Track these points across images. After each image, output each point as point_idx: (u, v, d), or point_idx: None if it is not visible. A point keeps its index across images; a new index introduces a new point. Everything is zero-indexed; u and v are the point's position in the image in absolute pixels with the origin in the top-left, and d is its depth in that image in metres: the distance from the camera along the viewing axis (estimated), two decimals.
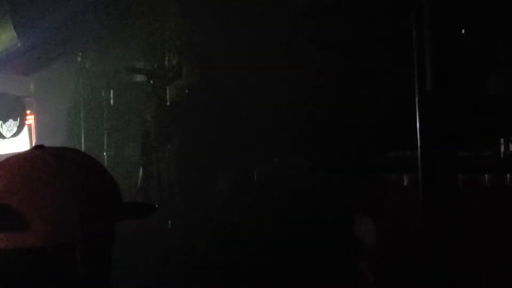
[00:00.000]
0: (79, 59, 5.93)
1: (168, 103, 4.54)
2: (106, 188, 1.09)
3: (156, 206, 1.20)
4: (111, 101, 5.72)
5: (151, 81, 4.51)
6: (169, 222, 4.34)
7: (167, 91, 4.55)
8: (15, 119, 6.90)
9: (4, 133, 6.95)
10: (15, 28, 5.06)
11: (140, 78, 5.28)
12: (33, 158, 1.06)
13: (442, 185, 2.01)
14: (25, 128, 7.11)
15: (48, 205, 1.00)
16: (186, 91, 4.35)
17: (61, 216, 1.00)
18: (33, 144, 7.65)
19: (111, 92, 5.70)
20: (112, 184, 1.10)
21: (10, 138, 7.01)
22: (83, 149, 5.67)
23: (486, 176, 2.95)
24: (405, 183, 3.21)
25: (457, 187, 2.06)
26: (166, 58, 4.65)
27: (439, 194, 2.00)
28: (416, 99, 2.07)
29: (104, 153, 5.61)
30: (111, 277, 1.09)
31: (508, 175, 2.94)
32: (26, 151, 1.11)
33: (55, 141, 6.06)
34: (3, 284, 0.98)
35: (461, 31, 3.12)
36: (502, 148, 3.01)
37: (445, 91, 2.02)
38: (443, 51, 2.05)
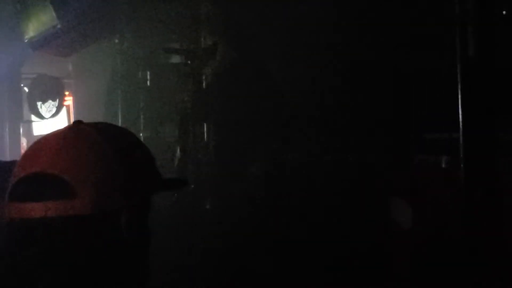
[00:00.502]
0: (116, 40, 5.96)
1: (204, 83, 4.55)
2: (145, 159, 1.11)
3: (188, 181, 1.21)
4: (148, 82, 5.75)
5: (188, 62, 4.51)
6: (207, 202, 4.37)
7: (204, 71, 4.55)
8: (54, 100, 6.99)
9: (43, 114, 7.05)
10: (54, 10, 5.11)
11: (176, 58, 5.29)
12: (75, 130, 1.08)
13: (483, 165, 1.98)
14: (64, 109, 7.21)
15: (93, 172, 1.02)
16: (222, 71, 4.34)
17: (107, 183, 1.02)
18: None
19: (148, 73, 5.73)
20: (150, 156, 1.12)
21: (49, 119, 7.12)
22: None
23: None
24: (443, 165, 3.17)
25: (497, 168, 2.03)
26: (202, 38, 4.65)
27: (479, 175, 1.97)
28: (458, 70, 2.03)
29: (141, 134, 5.66)
30: (150, 246, 1.11)
31: None
32: (66, 126, 1.13)
33: (93, 121, 6.11)
34: (51, 252, 1.00)
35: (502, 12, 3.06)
36: None
37: (487, 62, 1.97)
38: (486, 25, 2.00)
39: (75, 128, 1.08)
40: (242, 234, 3.91)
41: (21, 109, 6.75)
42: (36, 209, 1.00)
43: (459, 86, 2.07)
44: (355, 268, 3.33)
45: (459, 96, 2.08)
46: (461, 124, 2.07)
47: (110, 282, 1.02)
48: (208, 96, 4.46)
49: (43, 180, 1.01)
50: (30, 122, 7.48)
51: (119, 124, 5.81)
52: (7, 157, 6.21)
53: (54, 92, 6.98)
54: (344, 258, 3.43)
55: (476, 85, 2.02)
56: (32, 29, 5.88)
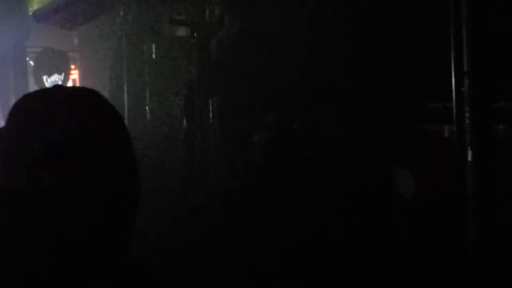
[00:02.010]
0: (121, 12, 5.93)
1: (210, 55, 4.53)
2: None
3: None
4: (153, 55, 5.73)
5: (194, 34, 4.49)
6: (212, 175, 4.38)
7: (210, 43, 4.53)
8: (60, 74, 6.98)
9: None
10: None
11: (182, 30, 5.27)
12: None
13: (476, 134, 1.97)
14: (70, 83, 7.21)
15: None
16: (229, 42, 4.32)
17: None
18: None
19: (154, 45, 5.71)
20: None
21: None
22: (125, 102, 5.72)
23: None
24: (446, 134, 3.16)
25: (491, 136, 2.02)
26: (208, 9, 4.63)
27: (473, 143, 1.97)
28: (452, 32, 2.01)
29: (146, 107, 5.66)
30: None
31: None
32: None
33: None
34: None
35: None
36: None
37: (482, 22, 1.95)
38: None
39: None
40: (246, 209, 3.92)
41: (27, 83, 6.75)
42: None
43: (452, 55, 2.06)
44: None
45: (452, 64, 2.07)
46: (453, 91, 2.07)
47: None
48: (214, 67, 4.44)
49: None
50: None
51: (125, 96, 5.81)
52: None
53: (60, 65, 6.97)
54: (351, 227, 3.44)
55: (470, 52, 2.01)
56: (37, 1, 5.87)
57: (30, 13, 6.14)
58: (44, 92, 1.10)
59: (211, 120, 4.41)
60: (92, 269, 1.01)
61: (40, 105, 1.04)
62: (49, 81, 7.08)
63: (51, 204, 0.96)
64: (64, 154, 0.97)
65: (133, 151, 1.06)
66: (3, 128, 1.03)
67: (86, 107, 1.04)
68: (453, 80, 2.09)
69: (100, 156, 0.99)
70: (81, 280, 1.00)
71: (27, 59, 6.88)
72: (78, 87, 1.13)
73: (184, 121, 4.47)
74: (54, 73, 6.99)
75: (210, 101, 4.41)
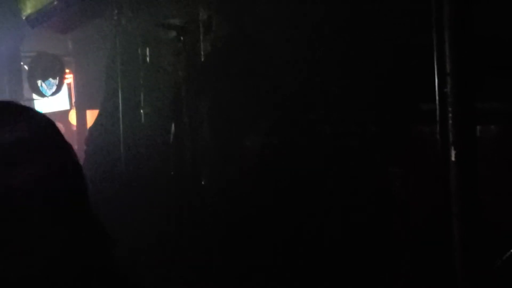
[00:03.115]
0: (115, 16, 5.93)
1: (200, 58, 4.53)
2: None
3: None
4: (147, 58, 5.73)
5: (181, 37, 4.50)
6: (202, 178, 4.37)
7: (199, 46, 4.53)
8: (54, 78, 6.98)
9: (44, 92, 7.05)
10: None
11: (174, 34, 5.27)
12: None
13: (459, 134, 1.96)
14: (65, 87, 7.21)
15: None
16: (218, 45, 4.32)
17: None
18: (73, 102, 7.76)
19: (147, 49, 5.71)
20: None
21: (50, 97, 7.12)
22: (120, 106, 5.72)
23: None
24: (430, 134, 3.15)
25: (475, 136, 2.02)
26: (198, 13, 4.63)
27: (456, 143, 1.96)
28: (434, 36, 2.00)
29: (141, 110, 5.65)
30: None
31: None
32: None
33: (93, 99, 6.12)
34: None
35: None
36: None
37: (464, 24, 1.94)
38: None
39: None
40: (239, 210, 3.91)
41: (22, 88, 6.75)
42: None
43: (435, 55, 2.05)
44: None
45: (435, 65, 2.06)
46: (437, 91, 2.06)
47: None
48: (204, 70, 4.44)
49: None
50: (31, 100, 7.49)
51: (120, 100, 5.80)
52: None
53: (54, 70, 6.97)
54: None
55: (452, 52, 2.00)
56: (30, 6, 5.87)
57: (24, 18, 6.13)
58: None
59: (200, 124, 4.41)
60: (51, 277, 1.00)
61: None
62: (43, 86, 7.08)
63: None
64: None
65: (70, 154, 1.07)
66: None
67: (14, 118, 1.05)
68: (436, 80, 2.09)
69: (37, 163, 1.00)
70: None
71: (21, 63, 6.88)
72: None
73: (173, 125, 4.47)
74: (49, 77, 6.98)
75: (199, 105, 4.41)
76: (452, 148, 1.99)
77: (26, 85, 6.99)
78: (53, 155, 1.05)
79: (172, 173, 4.45)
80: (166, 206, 4.36)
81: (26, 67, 7.08)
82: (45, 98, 7.10)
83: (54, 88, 6.99)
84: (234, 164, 4.11)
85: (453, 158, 1.98)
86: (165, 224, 4.34)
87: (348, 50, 3.49)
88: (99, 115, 5.82)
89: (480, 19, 2.11)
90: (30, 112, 1.11)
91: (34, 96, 7.24)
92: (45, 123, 1.09)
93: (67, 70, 7.19)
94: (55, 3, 5.51)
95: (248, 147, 4.10)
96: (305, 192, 3.70)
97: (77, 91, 7.13)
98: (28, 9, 5.90)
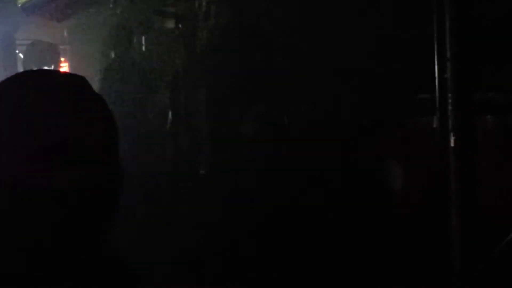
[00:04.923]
0: (111, 5, 5.90)
1: (197, 47, 4.50)
2: None
3: None
4: (143, 47, 5.70)
5: (179, 25, 4.47)
6: (200, 168, 4.35)
7: (196, 35, 4.50)
8: (49, 66, 6.95)
9: None
10: None
11: (171, 23, 5.24)
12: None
13: (459, 121, 1.94)
14: None
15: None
16: (216, 33, 4.29)
17: None
18: None
19: (143, 37, 5.68)
20: None
21: None
22: (115, 94, 5.69)
23: None
24: (435, 125, 3.13)
25: (474, 123, 2.00)
26: (196, 0, 4.60)
27: (456, 130, 1.94)
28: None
29: (137, 99, 5.62)
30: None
31: None
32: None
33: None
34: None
35: None
36: None
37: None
38: None
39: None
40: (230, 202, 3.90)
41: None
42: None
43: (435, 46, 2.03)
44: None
45: (435, 50, 2.04)
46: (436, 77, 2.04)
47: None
48: (201, 60, 4.42)
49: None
50: None
51: (115, 89, 5.77)
52: None
53: (49, 58, 6.93)
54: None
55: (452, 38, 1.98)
56: None
57: (19, 5, 6.09)
58: (36, 76, 1.02)
59: (197, 113, 4.39)
60: (75, 264, 0.96)
61: (33, 93, 0.96)
62: None
63: (42, 203, 0.90)
64: (61, 152, 0.90)
65: (119, 145, 1.01)
66: None
67: (83, 99, 0.97)
68: (436, 66, 2.06)
69: (95, 154, 0.93)
70: (63, 276, 0.96)
71: (17, 51, 6.84)
72: (69, 74, 1.06)
73: (169, 114, 4.45)
74: (44, 65, 6.95)
75: (197, 93, 4.39)
76: (452, 134, 1.97)
77: None
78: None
79: (169, 162, 4.43)
80: (163, 197, 4.34)
81: (21, 55, 7.04)
82: None
83: None
84: (231, 152, 4.09)
85: (452, 144, 1.96)
86: (162, 215, 4.33)
87: (347, 36, 3.47)
88: None
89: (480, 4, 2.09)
90: (100, 96, 1.02)
91: None
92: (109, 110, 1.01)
93: (62, 59, 7.15)
94: None
95: (245, 135, 4.08)
96: (301, 184, 3.68)
97: None
98: None
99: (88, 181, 0.93)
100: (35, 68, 6.78)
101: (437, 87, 2.07)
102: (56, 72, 1.01)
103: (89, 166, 0.93)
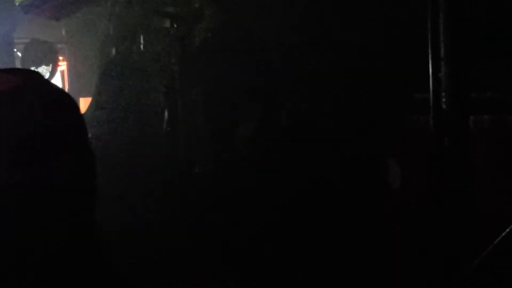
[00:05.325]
0: (109, 3, 5.89)
1: (192, 47, 4.50)
2: None
3: None
4: (141, 46, 5.70)
5: (174, 25, 4.48)
6: (196, 166, 4.35)
7: (190, 36, 4.50)
8: (47, 65, 6.95)
9: None
10: None
11: (168, 22, 5.23)
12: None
13: (453, 120, 1.93)
14: (58, 74, 7.17)
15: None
16: (210, 34, 4.29)
17: None
18: (66, 89, 7.74)
19: (141, 37, 5.67)
20: None
21: None
22: (113, 94, 5.69)
23: None
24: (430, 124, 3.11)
25: (468, 122, 1.99)
26: (192, 1, 4.60)
27: (450, 130, 1.93)
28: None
29: (134, 98, 5.61)
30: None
31: None
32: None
33: (87, 86, 6.09)
34: None
35: None
36: None
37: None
38: None
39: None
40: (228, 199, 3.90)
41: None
42: None
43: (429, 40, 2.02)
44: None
45: (429, 50, 2.03)
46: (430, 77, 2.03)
47: None
48: (196, 59, 4.42)
49: None
50: None
51: (113, 88, 5.76)
52: None
53: (47, 57, 6.93)
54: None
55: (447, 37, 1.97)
56: None
57: (17, 4, 6.08)
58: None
59: (193, 112, 4.39)
60: (62, 267, 0.96)
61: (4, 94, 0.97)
62: None
63: (25, 203, 0.91)
64: (38, 149, 0.91)
65: (89, 140, 1.02)
66: None
67: (52, 97, 0.98)
68: (430, 66, 2.06)
69: (69, 149, 0.94)
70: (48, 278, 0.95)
71: (15, 50, 6.84)
72: (28, 72, 1.06)
73: (166, 113, 4.45)
74: (42, 64, 6.95)
75: (192, 92, 4.39)
76: (446, 134, 1.96)
77: None
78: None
79: (165, 161, 4.43)
80: (158, 195, 4.33)
81: (19, 53, 7.04)
82: None
83: (48, 75, 6.95)
84: (228, 152, 4.09)
85: (446, 145, 1.95)
86: (157, 214, 4.32)
87: (342, 37, 3.47)
88: (92, 103, 5.79)
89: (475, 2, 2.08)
90: (66, 93, 1.04)
91: None
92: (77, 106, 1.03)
93: (60, 57, 7.15)
94: None
95: (241, 135, 4.08)
96: (298, 183, 3.68)
97: (70, 79, 7.09)
98: None
99: (60, 171, 0.93)
100: (33, 67, 6.78)
101: (431, 87, 2.06)
102: (13, 71, 1.02)
103: (58, 157, 0.94)
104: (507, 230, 2.00)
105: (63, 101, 1.01)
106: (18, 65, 6.99)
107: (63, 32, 7.02)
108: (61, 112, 0.98)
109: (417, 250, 2.85)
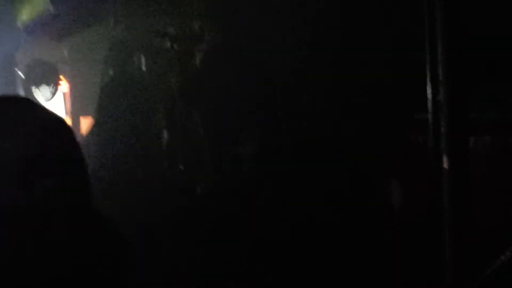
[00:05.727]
0: (111, 24, 5.94)
1: (192, 67, 4.55)
2: None
3: None
4: (143, 67, 5.74)
5: (173, 46, 4.53)
6: (196, 184, 4.37)
7: (192, 55, 4.55)
8: (49, 85, 6.98)
9: (39, 99, 7.05)
10: None
11: (169, 43, 5.28)
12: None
13: (452, 142, 1.97)
14: (59, 94, 7.21)
15: None
16: (210, 55, 4.34)
17: None
18: (68, 110, 7.78)
19: (143, 57, 5.72)
20: None
21: (44, 104, 7.11)
22: (114, 114, 5.72)
23: None
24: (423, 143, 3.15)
25: (467, 145, 2.03)
26: (191, 22, 4.65)
27: (449, 152, 1.97)
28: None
29: (136, 117, 5.64)
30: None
31: None
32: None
33: (88, 106, 6.12)
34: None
35: None
36: None
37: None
38: None
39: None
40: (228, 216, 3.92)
41: (17, 94, 6.74)
42: None
43: (427, 63, 2.06)
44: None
45: (427, 73, 2.07)
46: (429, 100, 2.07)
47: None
48: (196, 79, 4.46)
49: None
50: None
51: (114, 108, 5.79)
52: None
53: (49, 77, 6.97)
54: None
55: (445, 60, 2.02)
56: (26, 13, 5.88)
57: (19, 25, 6.14)
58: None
59: (193, 131, 4.42)
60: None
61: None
62: (38, 93, 7.07)
63: (25, 220, 0.94)
64: (34, 168, 0.94)
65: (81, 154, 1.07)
66: None
67: (42, 118, 1.02)
68: (428, 89, 2.10)
69: (65, 166, 0.99)
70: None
71: (16, 70, 6.88)
72: (17, 98, 1.12)
73: (165, 133, 4.49)
74: (44, 84, 6.99)
75: (192, 112, 4.43)
76: (445, 156, 2.00)
77: (21, 92, 6.98)
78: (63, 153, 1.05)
79: (166, 180, 4.45)
80: (159, 213, 4.35)
81: (21, 74, 7.08)
82: None
83: (49, 95, 6.99)
84: (227, 170, 4.12)
85: (446, 166, 1.99)
86: (158, 232, 4.33)
87: (341, 58, 3.51)
88: (94, 124, 5.82)
89: (473, 24, 2.12)
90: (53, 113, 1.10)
91: None
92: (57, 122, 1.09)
93: (62, 78, 7.19)
94: (51, 11, 5.52)
95: (241, 154, 4.11)
96: (297, 199, 3.71)
97: (72, 99, 7.13)
98: (23, 17, 5.92)
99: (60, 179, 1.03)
100: (35, 87, 6.80)
101: (430, 109, 2.10)
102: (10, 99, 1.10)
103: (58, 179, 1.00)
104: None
105: (56, 124, 1.07)
106: (20, 85, 7.03)
107: (65, 53, 7.07)
108: (55, 135, 1.04)
109: (413, 269, 2.88)
